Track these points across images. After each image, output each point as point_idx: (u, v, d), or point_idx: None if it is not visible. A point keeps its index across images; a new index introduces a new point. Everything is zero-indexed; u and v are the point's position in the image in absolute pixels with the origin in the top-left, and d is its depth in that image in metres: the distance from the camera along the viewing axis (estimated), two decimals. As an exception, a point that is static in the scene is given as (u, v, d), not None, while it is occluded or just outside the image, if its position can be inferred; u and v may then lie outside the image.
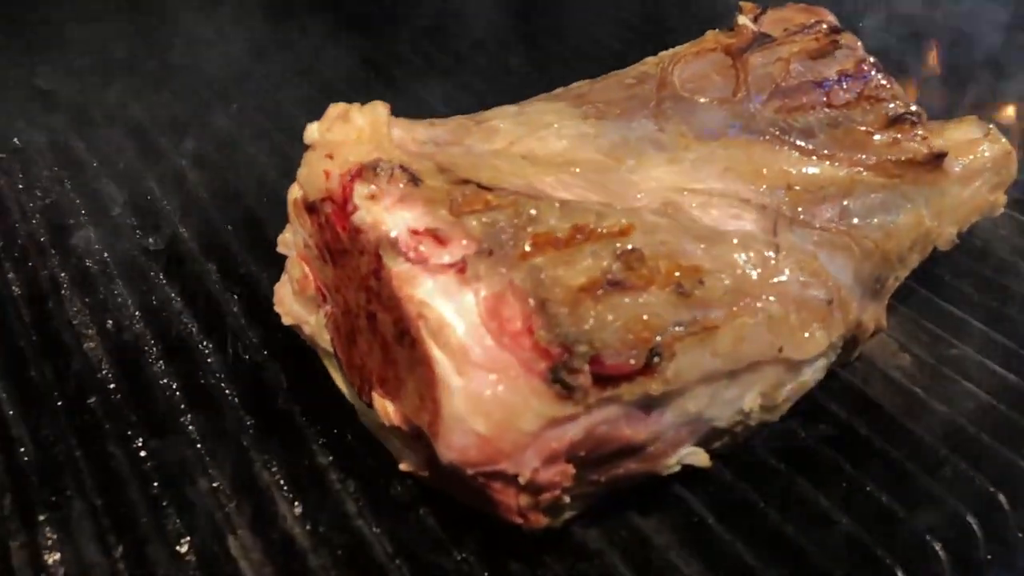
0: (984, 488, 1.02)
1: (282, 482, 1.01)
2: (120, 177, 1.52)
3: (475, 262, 0.74)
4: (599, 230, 0.78)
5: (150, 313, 1.26)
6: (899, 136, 1.01)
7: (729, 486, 1.01)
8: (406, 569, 0.92)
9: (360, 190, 0.77)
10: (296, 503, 0.99)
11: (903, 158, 1.01)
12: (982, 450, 1.07)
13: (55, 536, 0.96)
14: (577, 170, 0.87)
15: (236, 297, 1.28)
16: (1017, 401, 1.14)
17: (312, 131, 0.86)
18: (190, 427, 1.10)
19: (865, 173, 0.99)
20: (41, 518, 0.97)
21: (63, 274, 1.32)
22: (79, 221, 1.42)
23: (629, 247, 0.77)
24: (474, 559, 0.94)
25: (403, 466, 0.91)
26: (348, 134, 0.82)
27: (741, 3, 1.11)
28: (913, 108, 1.03)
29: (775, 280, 0.83)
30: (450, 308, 0.72)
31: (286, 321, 0.99)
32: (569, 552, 0.95)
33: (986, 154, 1.11)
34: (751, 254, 0.83)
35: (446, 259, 0.75)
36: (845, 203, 0.97)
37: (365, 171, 0.78)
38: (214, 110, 1.69)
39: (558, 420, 0.73)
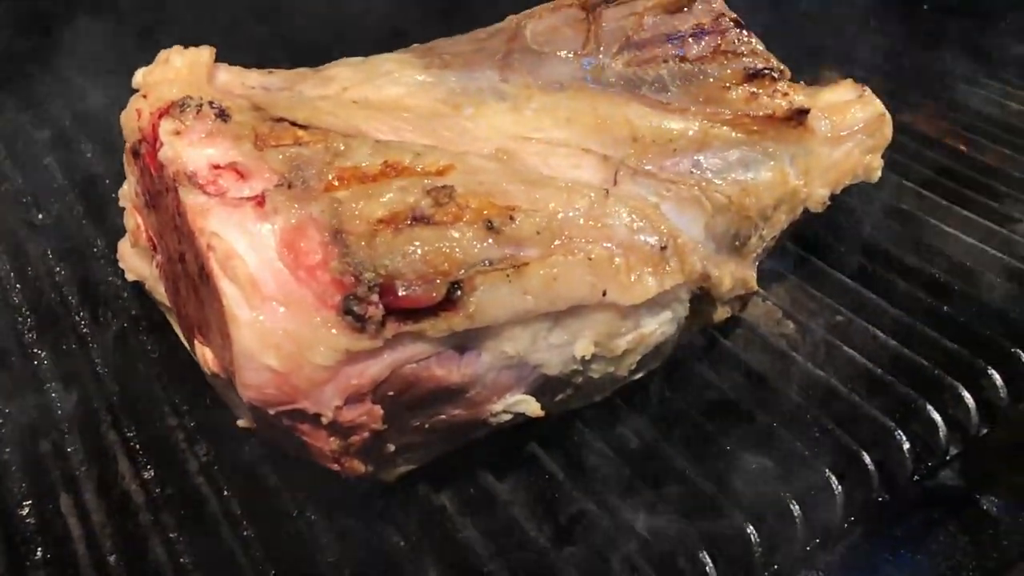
0: (849, 448, 1.01)
1: (128, 443, 0.99)
2: (19, 157, 1.51)
3: (275, 195, 0.73)
4: (415, 168, 0.77)
5: (29, 285, 1.24)
6: (758, 91, 1.00)
7: (587, 446, 1.00)
8: (247, 527, 0.91)
9: (166, 126, 0.76)
10: (143, 464, 0.97)
11: (761, 113, 1.00)
12: (854, 412, 1.06)
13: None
14: (408, 115, 0.86)
15: (119, 269, 1.26)
16: (898, 367, 1.12)
17: (137, 75, 0.85)
18: (52, 394, 1.08)
19: (722, 128, 0.98)
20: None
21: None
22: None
23: (441, 184, 0.76)
24: (315, 517, 0.92)
25: (240, 423, 0.89)
26: (166, 75, 0.81)
27: (608, -38, 1.10)
28: (773, 64, 1.02)
29: (600, 224, 0.81)
30: (243, 241, 0.71)
31: (129, 277, 0.98)
32: (413, 510, 0.93)
33: (858, 115, 1.10)
34: (576, 198, 0.82)
35: (246, 192, 0.73)
36: (697, 157, 0.96)
37: (173, 108, 0.77)
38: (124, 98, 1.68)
39: (355, 355, 0.71)
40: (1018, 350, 1.14)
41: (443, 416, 0.81)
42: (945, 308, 1.22)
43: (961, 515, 1.07)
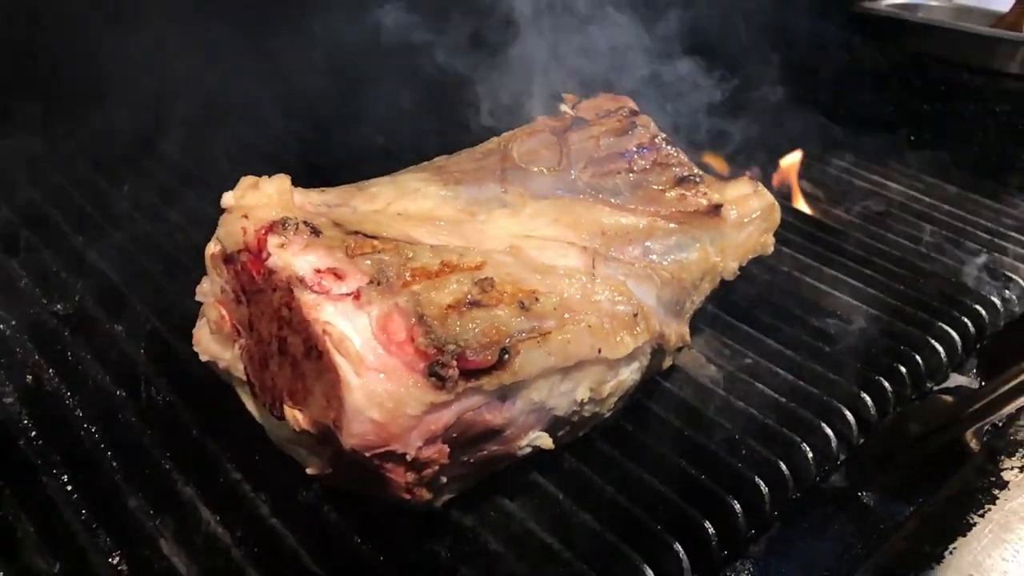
0: (769, 460, 1.32)
1: (202, 495, 1.18)
2: (21, 255, 1.66)
3: (367, 291, 0.97)
4: (461, 265, 1.04)
5: (65, 369, 1.40)
6: (686, 193, 1.33)
7: (575, 471, 1.27)
8: (315, 555, 1.11)
9: (273, 241, 1.00)
10: (217, 511, 1.16)
11: (689, 209, 1.32)
12: (770, 433, 1.37)
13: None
14: (441, 223, 1.12)
15: (143, 351, 1.45)
16: (796, 395, 1.45)
17: (228, 197, 1.07)
18: (112, 462, 1.25)
19: (661, 221, 1.29)
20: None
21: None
22: (-11, 291, 1.55)
23: (484, 276, 1.03)
24: (370, 544, 1.14)
25: (310, 470, 1.11)
26: (259, 199, 1.05)
27: (564, 94, 1.42)
28: (695, 171, 1.35)
29: (593, 299, 1.10)
30: (349, 326, 0.95)
31: (203, 358, 1.18)
32: (450, 532, 1.17)
33: (755, 205, 1.44)
34: (574, 281, 1.10)
35: (344, 290, 0.98)
36: (647, 244, 1.27)
37: (276, 226, 1.01)
38: (107, 193, 1.85)
39: (435, 406, 0.96)
40: (880, 378, 1.50)
41: (484, 452, 1.07)
42: (826, 348, 1.57)
43: (847, 508, 1.40)
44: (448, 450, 1.00)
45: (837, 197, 2.16)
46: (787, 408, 1.43)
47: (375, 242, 1.03)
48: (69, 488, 1.21)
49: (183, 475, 1.21)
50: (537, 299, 1.04)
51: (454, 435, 1.00)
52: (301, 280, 0.97)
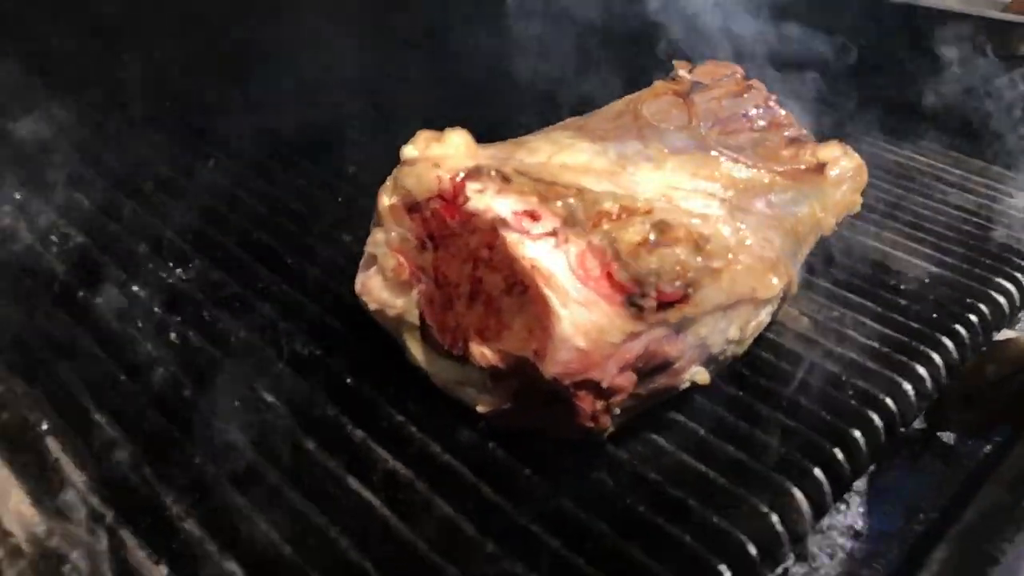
0: (873, 395, 1.43)
1: (373, 437, 1.25)
2: (127, 225, 1.70)
3: (563, 231, 1.05)
4: (636, 209, 1.12)
5: (204, 327, 1.45)
6: (797, 152, 1.43)
7: (706, 408, 1.36)
8: (494, 487, 1.19)
9: (472, 186, 1.07)
10: (390, 451, 1.23)
11: (801, 167, 1.43)
12: (868, 373, 1.48)
13: (190, 493, 1.16)
14: (600, 174, 1.21)
15: (270, 308, 1.50)
16: (885, 341, 1.57)
17: (410, 150, 1.15)
18: (280, 409, 1.30)
19: (779, 178, 1.39)
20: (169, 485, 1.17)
21: (104, 305, 1.49)
22: (109, 260, 1.58)
23: (658, 219, 1.12)
24: (536, 476, 1.22)
25: (480, 408, 1.19)
26: (447, 150, 1.12)
27: (675, 61, 1.51)
28: (804, 132, 1.46)
29: (746, 243, 1.20)
30: (552, 262, 1.03)
31: (372, 307, 1.24)
32: (605, 464, 1.25)
33: (847, 165, 1.55)
34: (727, 226, 1.20)
35: (541, 230, 1.06)
36: (769, 197, 1.36)
37: (472, 173, 1.08)
38: (197, 167, 1.90)
39: (632, 335, 1.04)
40: (958, 326, 1.63)
41: (655, 384, 1.15)
42: (901, 301, 1.69)
43: (931, 448, 1.52)
44: (636, 378, 1.08)
45: (872, 170, 2.29)
46: (881, 352, 1.54)
47: (558, 188, 1.11)
48: (243, 433, 1.26)
49: (350, 420, 1.27)
50: (708, 240, 1.13)
51: (640, 365, 1.09)
52: (504, 222, 1.05)
